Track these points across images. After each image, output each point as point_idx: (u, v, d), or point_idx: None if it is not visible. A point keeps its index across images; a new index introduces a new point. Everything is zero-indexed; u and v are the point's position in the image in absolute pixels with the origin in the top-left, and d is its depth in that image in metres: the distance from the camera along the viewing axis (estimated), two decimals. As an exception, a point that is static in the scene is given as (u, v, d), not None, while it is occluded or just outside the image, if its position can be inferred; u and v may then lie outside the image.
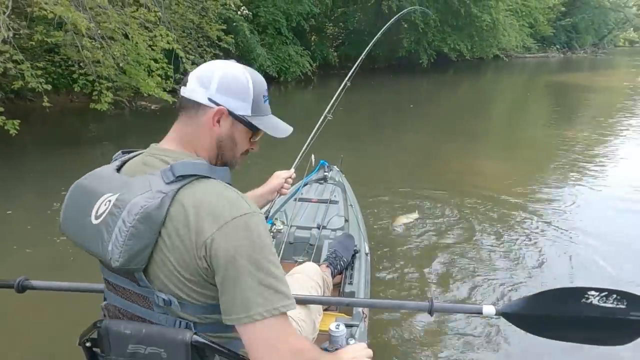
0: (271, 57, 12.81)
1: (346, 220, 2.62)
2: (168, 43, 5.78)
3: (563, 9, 29.62)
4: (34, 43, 4.89)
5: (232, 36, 8.71)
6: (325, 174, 3.17)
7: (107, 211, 0.84)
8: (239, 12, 9.97)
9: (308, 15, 14.70)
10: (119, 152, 1.03)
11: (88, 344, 0.96)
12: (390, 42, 17.29)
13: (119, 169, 0.97)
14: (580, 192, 4.90)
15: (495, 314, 1.24)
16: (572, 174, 5.53)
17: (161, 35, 5.75)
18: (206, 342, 0.86)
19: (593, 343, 1.23)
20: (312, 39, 17.18)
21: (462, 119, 9.53)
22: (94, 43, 4.98)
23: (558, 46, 31.22)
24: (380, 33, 2.97)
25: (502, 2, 18.84)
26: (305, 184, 3.03)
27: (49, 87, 4.99)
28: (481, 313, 1.25)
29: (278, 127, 1.05)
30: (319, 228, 2.49)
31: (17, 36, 4.51)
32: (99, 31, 4.90)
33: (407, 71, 17.83)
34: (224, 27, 8.46)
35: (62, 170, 5.20)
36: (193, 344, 0.85)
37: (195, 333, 0.86)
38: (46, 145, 6.43)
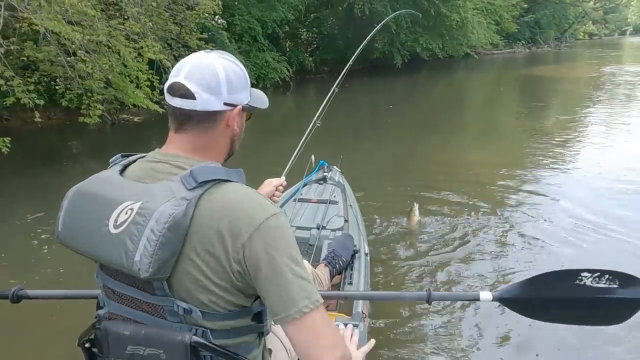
0: (249, 65, 12.88)
1: (346, 221, 2.64)
2: (154, 54, 5.81)
3: (525, 5, 30.74)
4: (25, 59, 4.85)
5: (213, 45, 8.75)
6: (325, 174, 3.18)
7: (129, 220, 0.81)
8: (214, 22, 10.01)
9: (282, 22, 14.84)
10: (118, 155, 1.00)
11: (87, 345, 0.95)
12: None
13: (121, 174, 0.94)
14: (565, 176, 5.13)
15: (493, 300, 1.25)
16: (553, 160, 5.79)
17: (147, 46, 5.77)
18: (205, 343, 0.85)
19: (590, 324, 1.25)
20: (287, 44, 17.31)
21: (444, 116, 9.81)
22: (83, 57, 4.96)
23: (523, 41, 32.32)
24: (370, 36, 3.00)
25: (469, 1, 19.45)
26: (305, 185, 3.04)
27: (42, 102, 4.96)
28: (478, 299, 1.27)
29: (262, 98, 1.06)
30: (318, 228, 2.50)
31: (7, 53, 4.48)
32: (85, 44, 4.88)
33: (382, 72, 18.13)
34: (205, 36, 8.49)
35: (44, 189, 5.07)
36: (192, 345, 0.84)
37: (194, 334, 0.85)
38: (25, 164, 6.21)
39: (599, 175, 5.07)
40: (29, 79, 5.01)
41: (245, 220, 0.84)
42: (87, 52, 4.95)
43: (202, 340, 0.85)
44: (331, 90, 2.50)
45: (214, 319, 0.86)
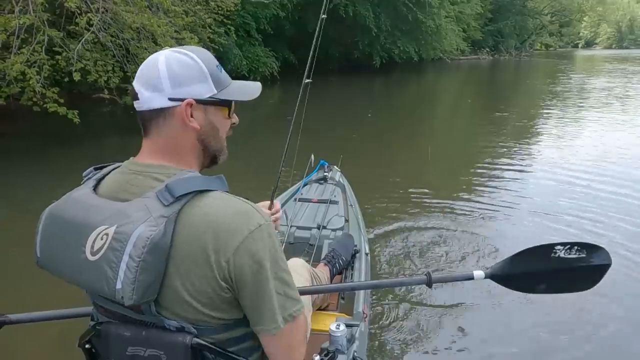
0: (242, 58, 13.63)
1: (346, 220, 2.65)
2: (195, 44, 6.54)
3: (490, 15, 32.97)
4: (109, 43, 5.50)
5: (225, 38, 9.45)
6: (325, 174, 3.19)
7: (106, 246, 0.78)
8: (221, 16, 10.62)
9: (271, 19, 15.63)
10: (90, 169, 0.95)
11: (87, 346, 0.95)
12: (346, 45, 18.62)
13: (94, 188, 0.90)
14: (536, 167, 5.99)
15: (485, 277, 1.36)
16: (526, 151, 6.89)
17: (187, 38, 6.53)
18: (207, 344, 0.85)
19: (568, 291, 1.38)
20: (271, 40, 18.05)
21: (424, 116, 10.86)
22: (143, 44, 5.70)
23: (487, 49, 34.61)
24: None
25: (442, 9, 20.96)
26: (305, 184, 3.07)
27: (117, 80, 5.68)
28: (473, 278, 1.36)
29: (247, 90, 0.98)
30: (319, 228, 2.51)
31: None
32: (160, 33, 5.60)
33: (361, 71, 19.29)
34: (221, 30, 9.17)
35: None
36: (193, 346, 0.83)
37: (195, 336, 0.84)
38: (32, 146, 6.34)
39: (568, 166, 5.71)
40: (107, 61, 5.70)
41: (229, 234, 0.81)
42: (142, 40, 5.66)
43: (203, 342, 0.84)
44: (317, 28, 1.92)
45: (208, 333, 0.86)
